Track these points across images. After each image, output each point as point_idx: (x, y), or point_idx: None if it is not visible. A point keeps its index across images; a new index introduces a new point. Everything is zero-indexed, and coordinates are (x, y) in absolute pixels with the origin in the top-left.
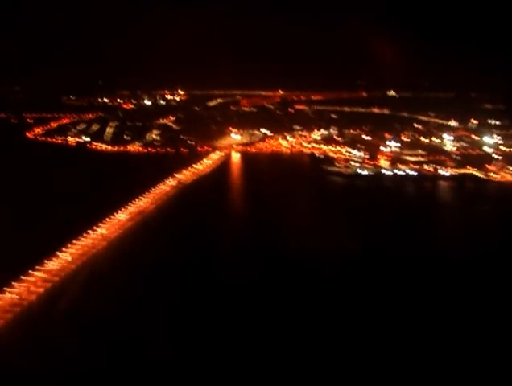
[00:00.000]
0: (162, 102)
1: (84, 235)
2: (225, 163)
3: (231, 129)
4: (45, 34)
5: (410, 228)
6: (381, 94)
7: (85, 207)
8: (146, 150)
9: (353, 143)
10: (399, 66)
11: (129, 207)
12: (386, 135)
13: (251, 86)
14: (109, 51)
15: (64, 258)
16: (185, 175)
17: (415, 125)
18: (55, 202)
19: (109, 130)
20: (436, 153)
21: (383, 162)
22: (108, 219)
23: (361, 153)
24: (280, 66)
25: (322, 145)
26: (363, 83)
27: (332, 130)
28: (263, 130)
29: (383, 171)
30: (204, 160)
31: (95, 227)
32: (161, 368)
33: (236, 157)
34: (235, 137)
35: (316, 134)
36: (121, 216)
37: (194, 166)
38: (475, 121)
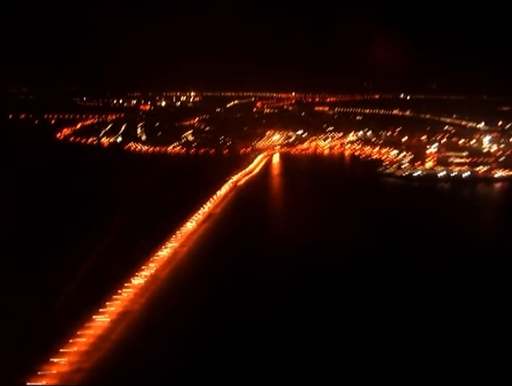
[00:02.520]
0: (177, 103)
1: (165, 243)
2: (273, 164)
3: (267, 130)
4: (52, 35)
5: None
6: (392, 96)
7: (156, 215)
8: (186, 151)
9: (393, 145)
10: (408, 68)
11: (197, 214)
12: (422, 137)
13: (261, 87)
14: (117, 52)
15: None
16: (237, 177)
17: (447, 127)
18: (128, 209)
19: (139, 131)
20: (479, 155)
21: (429, 164)
22: (181, 228)
23: (405, 155)
24: (289, 68)
25: (362, 147)
26: (370, 85)
27: (368, 132)
28: (298, 131)
29: (437, 173)
30: (253, 162)
31: (172, 236)
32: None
33: (282, 158)
34: (274, 138)
35: (352, 136)
36: (191, 225)
37: (243, 167)
38: (501, 123)
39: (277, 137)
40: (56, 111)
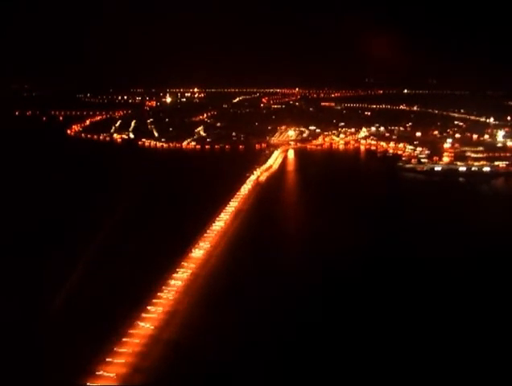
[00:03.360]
0: (183, 99)
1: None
2: (292, 160)
3: (278, 125)
4: (52, 33)
5: None
6: (396, 91)
7: (185, 211)
8: (201, 147)
9: (407, 140)
10: (409, 64)
11: (226, 211)
12: (435, 132)
13: (264, 83)
14: (119, 50)
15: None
16: (258, 174)
17: (457, 122)
18: (158, 205)
19: (150, 127)
20: (495, 150)
21: (446, 158)
22: (213, 225)
23: (421, 150)
24: (292, 64)
25: (378, 142)
26: (371, 80)
27: (380, 127)
28: (310, 127)
29: (457, 168)
30: (271, 157)
31: (204, 234)
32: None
33: (299, 153)
34: (287, 133)
35: (364, 131)
36: (222, 222)
37: (261, 163)
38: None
39: (290, 133)
40: (62, 108)
